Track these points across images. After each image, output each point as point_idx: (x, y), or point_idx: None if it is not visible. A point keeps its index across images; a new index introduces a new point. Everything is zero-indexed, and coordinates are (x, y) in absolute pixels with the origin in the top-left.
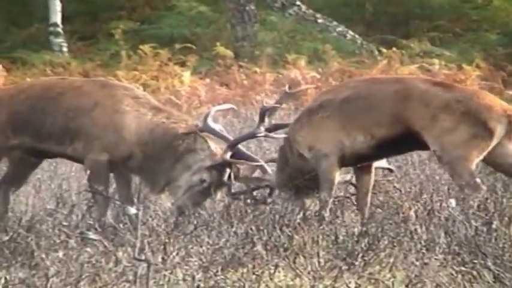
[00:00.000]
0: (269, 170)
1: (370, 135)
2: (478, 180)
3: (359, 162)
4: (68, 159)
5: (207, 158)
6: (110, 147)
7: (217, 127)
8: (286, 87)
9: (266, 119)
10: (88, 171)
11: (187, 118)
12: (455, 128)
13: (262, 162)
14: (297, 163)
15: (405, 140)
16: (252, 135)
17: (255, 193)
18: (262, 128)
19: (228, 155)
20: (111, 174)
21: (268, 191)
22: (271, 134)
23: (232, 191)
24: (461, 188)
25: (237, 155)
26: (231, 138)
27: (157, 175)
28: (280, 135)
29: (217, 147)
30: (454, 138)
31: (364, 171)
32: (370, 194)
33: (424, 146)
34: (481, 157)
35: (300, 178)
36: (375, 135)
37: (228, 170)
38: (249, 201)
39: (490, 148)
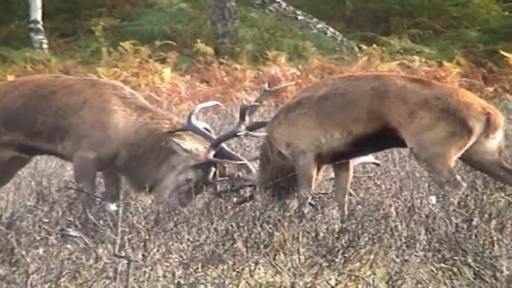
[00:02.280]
0: (253, 168)
1: (347, 132)
2: (458, 177)
3: (337, 159)
4: (58, 157)
5: (191, 158)
6: (97, 145)
7: (201, 125)
8: (266, 84)
9: (247, 117)
10: (75, 169)
11: (171, 117)
12: (434, 125)
13: (245, 161)
14: (277, 161)
15: (383, 137)
16: (234, 134)
17: (241, 192)
18: (243, 127)
19: (212, 154)
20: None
21: (251, 190)
22: (252, 133)
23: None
24: (440, 186)
25: (221, 154)
26: (214, 137)
27: (143, 176)
28: (262, 133)
29: (200, 147)
30: (432, 135)
31: (342, 168)
32: (348, 191)
33: (402, 143)
34: (459, 154)
35: (281, 177)
36: (352, 132)
37: (213, 169)
38: (235, 200)
39: (468, 146)
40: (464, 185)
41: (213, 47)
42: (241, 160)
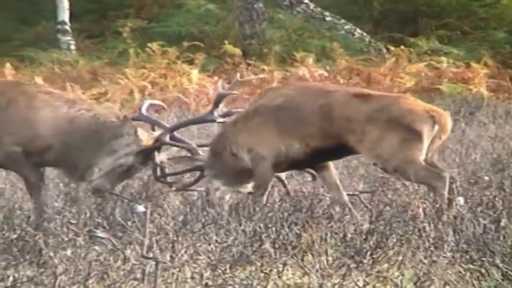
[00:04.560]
0: (201, 152)
1: (304, 144)
2: (435, 169)
3: (296, 167)
4: None
5: (133, 142)
6: (24, 142)
7: (152, 116)
8: (237, 75)
9: (220, 106)
10: (9, 165)
11: (111, 106)
12: (384, 136)
13: (194, 146)
14: (228, 159)
15: (343, 149)
16: (206, 120)
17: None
18: (216, 114)
19: (167, 136)
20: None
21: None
22: (223, 120)
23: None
24: (428, 185)
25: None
26: (166, 125)
27: (78, 163)
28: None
29: (146, 132)
30: (386, 146)
31: (322, 169)
32: (340, 186)
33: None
34: (423, 155)
35: (228, 172)
36: (309, 144)
37: (156, 153)
38: (175, 185)
39: (425, 147)
40: (447, 173)
41: (240, 48)
42: (191, 145)
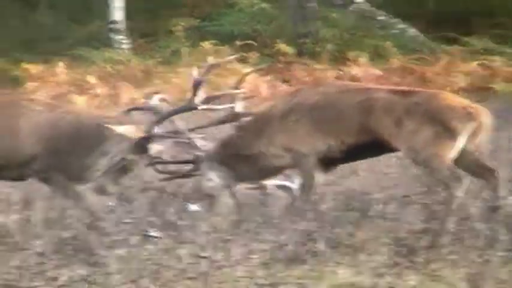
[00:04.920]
0: (198, 143)
1: (340, 141)
2: (459, 171)
3: (331, 165)
4: None
5: (122, 139)
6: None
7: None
8: (209, 58)
9: (200, 93)
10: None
11: (92, 109)
12: (419, 129)
13: (188, 136)
14: (251, 158)
15: (377, 145)
16: (188, 108)
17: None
18: (196, 101)
19: (156, 128)
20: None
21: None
22: (207, 106)
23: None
24: (445, 184)
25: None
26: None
27: (70, 166)
28: (216, 106)
29: (134, 126)
30: (419, 139)
31: None
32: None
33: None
34: (454, 154)
35: (243, 169)
36: (344, 141)
37: (149, 145)
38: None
39: (459, 146)
40: (468, 180)
41: (293, 47)
42: (185, 136)
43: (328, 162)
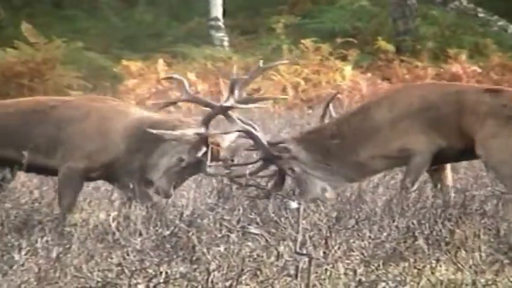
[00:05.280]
0: (263, 139)
1: (447, 142)
2: None
3: (437, 163)
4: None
5: (183, 142)
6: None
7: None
8: (260, 62)
9: (236, 91)
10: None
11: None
12: (499, 132)
13: (248, 127)
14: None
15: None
16: (225, 109)
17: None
18: (231, 100)
19: (203, 129)
20: None
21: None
22: (241, 105)
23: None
24: (508, 190)
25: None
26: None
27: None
28: (253, 105)
29: (192, 128)
30: (497, 142)
31: (439, 169)
32: (451, 189)
33: None
34: None
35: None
36: (449, 142)
37: (203, 148)
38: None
39: None
40: None
41: (394, 45)
42: (240, 129)
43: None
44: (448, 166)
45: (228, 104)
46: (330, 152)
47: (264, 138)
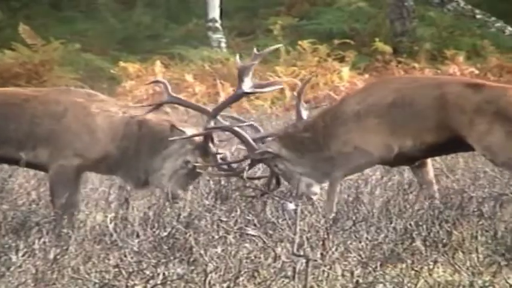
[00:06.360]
0: (261, 129)
1: (420, 141)
2: None
3: (407, 163)
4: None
5: (185, 142)
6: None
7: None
8: (254, 49)
9: (246, 78)
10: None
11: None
12: (491, 129)
13: (251, 122)
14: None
15: (454, 143)
16: (236, 97)
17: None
18: (244, 87)
19: (211, 123)
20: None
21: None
22: (257, 90)
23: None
24: None
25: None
26: (208, 108)
27: (137, 169)
28: (265, 89)
29: (194, 128)
30: (493, 140)
31: (420, 166)
32: (434, 184)
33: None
34: None
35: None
36: (424, 140)
37: (210, 144)
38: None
39: None
40: None
41: (391, 46)
42: (244, 123)
43: (405, 161)
44: (429, 162)
45: (243, 90)
46: (305, 147)
47: (251, 137)
